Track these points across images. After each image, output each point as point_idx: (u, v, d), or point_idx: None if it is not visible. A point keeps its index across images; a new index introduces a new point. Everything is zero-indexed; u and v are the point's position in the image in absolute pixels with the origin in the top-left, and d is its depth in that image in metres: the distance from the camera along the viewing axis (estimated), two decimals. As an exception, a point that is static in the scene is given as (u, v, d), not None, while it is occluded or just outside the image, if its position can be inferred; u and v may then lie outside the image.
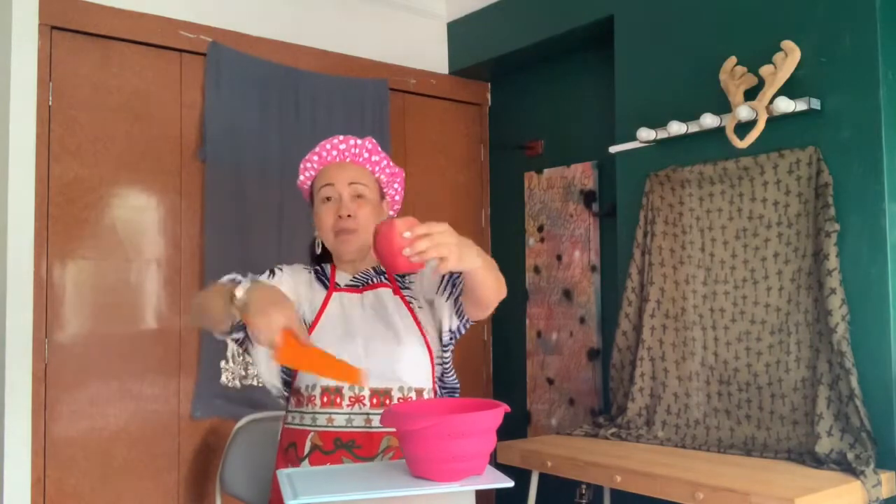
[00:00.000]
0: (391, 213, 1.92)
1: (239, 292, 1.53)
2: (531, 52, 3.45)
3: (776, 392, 2.41)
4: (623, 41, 2.98)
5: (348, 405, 1.65)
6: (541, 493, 2.66)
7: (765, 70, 2.41)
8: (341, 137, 1.81)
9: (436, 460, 1.33)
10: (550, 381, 3.42)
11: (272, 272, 1.81)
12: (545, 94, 3.59)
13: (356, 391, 1.65)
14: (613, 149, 2.96)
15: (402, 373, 1.67)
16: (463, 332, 1.76)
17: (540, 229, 3.52)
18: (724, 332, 2.56)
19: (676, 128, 2.65)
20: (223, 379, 2.96)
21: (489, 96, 3.89)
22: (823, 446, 2.22)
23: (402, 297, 1.77)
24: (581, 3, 3.13)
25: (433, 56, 3.71)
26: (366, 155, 1.82)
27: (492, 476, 1.38)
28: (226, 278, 1.71)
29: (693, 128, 2.62)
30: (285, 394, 1.80)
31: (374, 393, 1.66)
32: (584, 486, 3.05)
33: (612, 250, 3.13)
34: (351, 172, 1.79)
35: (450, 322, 1.73)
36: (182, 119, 2.97)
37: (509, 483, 1.37)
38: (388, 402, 1.66)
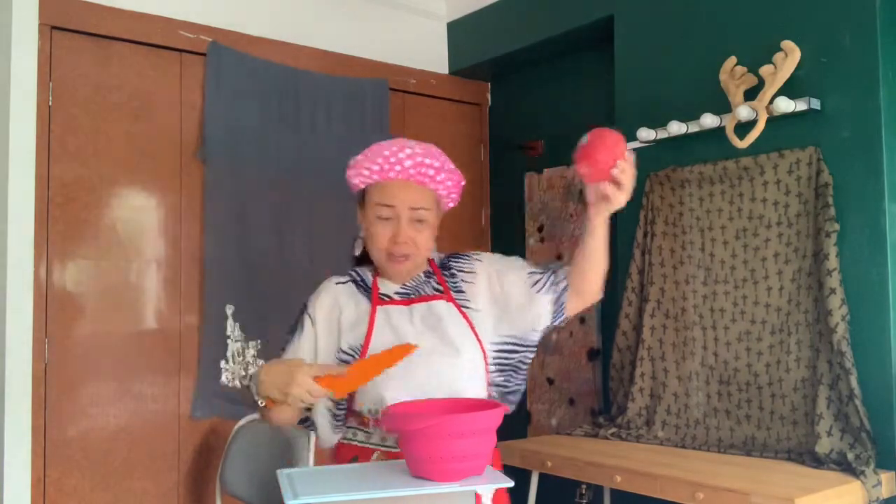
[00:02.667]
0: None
1: (256, 398, 1.56)
2: (531, 52, 3.45)
3: (776, 392, 2.40)
4: (623, 41, 2.98)
5: None
6: (541, 493, 2.65)
7: (765, 70, 2.41)
8: (408, 151, 1.63)
9: (436, 460, 1.33)
10: (550, 381, 3.42)
11: (304, 320, 1.71)
12: (545, 94, 3.58)
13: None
14: (613, 149, 2.95)
15: (464, 386, 1.61)
16: (551, 329, 1.74)
17: (540, 229, 3.52)
18: (724, 332, 2.56)
19: (676, 128, 2.65)
20: (223, 379, 2.96)
21: (489, 96, 3.89)
22: (823, 446, 2.22)
23: (455, 304, 1.68)
24: (581, 3, 3.13)
25: (433, 56, 3.71)
26: (431, 173, 1.66)
27: (492, 476, 1.38)
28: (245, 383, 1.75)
29: (693, 128, 2.62)
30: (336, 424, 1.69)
31: None
32: (584, 486, 3.05)
33: (612, 250, 3.11)
34: (413, 195, 1.65)
35: (546, 320, 1.70)
36: (182, 119, 2.97)
37: (509, 483, 1.37)
38: None
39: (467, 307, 1.69)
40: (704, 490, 2.01)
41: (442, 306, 1.67)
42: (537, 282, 1.70)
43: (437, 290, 1.71)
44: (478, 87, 3.85)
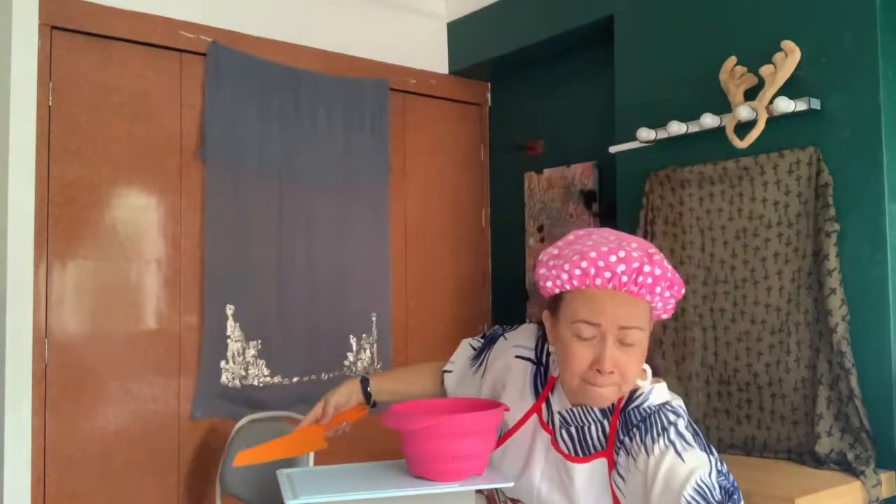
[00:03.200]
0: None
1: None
2: (531, 52, 3.45)
3: (776, 392, 2.40)
4: (623, 41, 2.98)
5: None
6: (541, 493, 2.65)
7: (765, 70, 2.41)
8: (622, 255, 1.28)
9: (436, 460, 1.33)
10: (550, 381, 3.42)
11: (479, 352, 1.61)
12: (545, 94, 3.58)
13: None
14: (613, 149, 2.96)
15: None
16: None
17: (540, 229, 3.52)
18: (724, 332, 2.56)
19: (676, 128, 2.65)
20: (223, 379, 2.96)
21: (489, 96, 3.89)
22: (823, 446, 2.22)
23: (610, 464, 1.33)
24: (581, 3, 3.13)
25: (433, 56, 3.71)
26: (649, 282, 1.29)
27: (492, 476, 1.38)
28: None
29: (693, 128, 2.62)
30: None
31: None
32: (584, 486, 3.04)
33: (612, 250, 3.12)
34: (624, 310, 1.29)
35: None
36: (182, 119, 2.97)
37: (509, 483, 1.37)
38: None
39: (618, 488, 1.32)
40: (704, 490, 2.01)
41: (582, 472, 1.35)
42: None
43: (601, 440, 1.35)
44: (478, 87, 3.85)
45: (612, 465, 1.32)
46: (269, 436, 2.63)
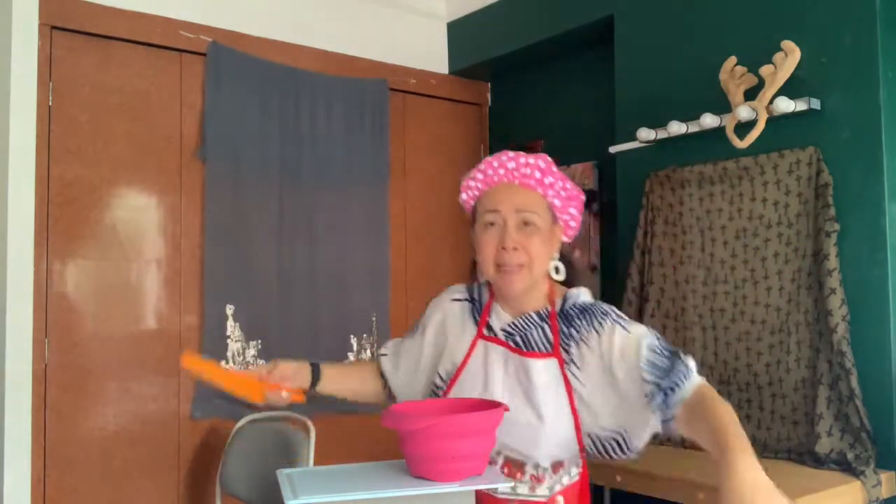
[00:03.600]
0: (565, 239, 1.63)
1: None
2: (531, 52, 3.45)
3: (776, 392, 2.40)
4: (623, 41, 2.98)
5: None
6: (541, 493, 2.65)
7: (765, 70, 2.41)
8: (511, 154, 1.54)
9: (436, 460, 1.33)
10: (550, 381, 3.42)
11: (419, 327, 1.70)
12: (545, 94, 3.58)
13: (490, 457, 1.46)
14: (613, 149, 2.96)
15: (539, 454, 1.47)
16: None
17: (540, 229, 3.52)
18: (724, 332, 2.56)
19: (676, 128, 2.65)
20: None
21: (489, 96, 3.89)
22: (823, 446, 2.21)
23: (561, 362, 1.49)
24: (581, 3, 3.13)
25: (433, 56, 3.71)
26: (537, 175, 1.54)
27: (492, 476, 1.38)
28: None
29: (693, 128, 2.62)
30: None
31: (507, 461, 1.50)
32: (584, 486, 3.04)
33: (612, 250, 3.13)
34: (519, 197, 1.53)
35: (645, 439, 1.46)
36: (182, 119, 2.97)
37: (509, 483, 1.37)
38: (519, 475, 1.48)
39: (575, 380, 1.48)
40: (704, 490, 2.01)
41: (539, 368, 1.49)
42: (649, 394, 1.40)
43: (545, 340, 1.52)
44: (478, 87, 3.85)
45: (562, 362, 1.49)
46: (269, 436, 2.64)
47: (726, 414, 1.26)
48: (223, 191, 3.00)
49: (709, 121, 2.54)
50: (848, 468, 2.12)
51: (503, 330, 1.57)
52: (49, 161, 2.69)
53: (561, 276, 1.59)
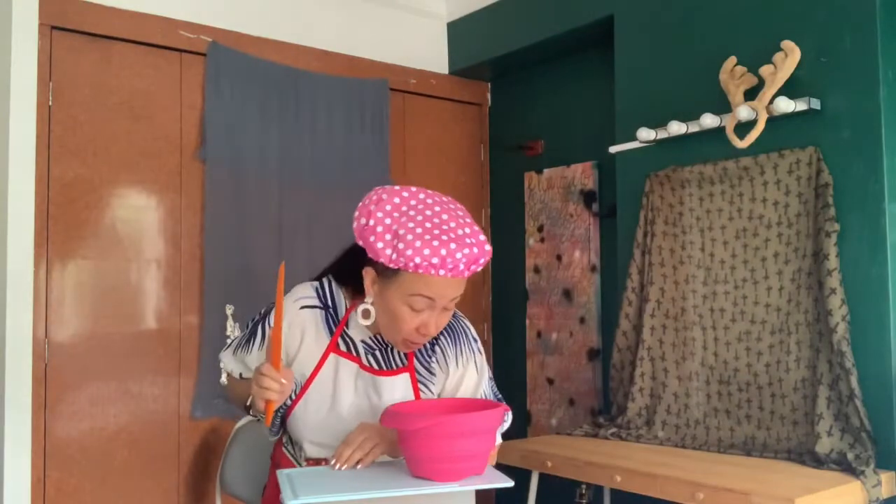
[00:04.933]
0: None
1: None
2: (531, 52, 3.45)
3: (776, 392, 2.40)
4: (623, 41, 2.98)
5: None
6: (541, 493, 2.65)
7: (765, 70, 2.41)
8: (466, 252, 1.41)
9: (436, 460, 1.33)
10: (550, 381, 3.42)
11: (263, 333, 1.62)
12: (545, 94, 3.58)
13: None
14: (613, 149, 2.96)
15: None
16: None
17: (540, 229, 3.52)
18: (724, 332, 2.56)
19: (676, 128, 2.65)
20: (223, 379, 2.95)
21: (489, 96, 3.89)
22: (823, 446, 2.21)
23: (413, 379, 1.57)
24: (581, 3, 3.13)
25: (433, 56, 3.71)
26: (480, 270, 1.53)
27: (492, 476, 1.38)
28: (228, 372, 1.73)
29: (693, 128, 2.62)
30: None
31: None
32: (584, 486, 3.05)
33: (612, 250, 3.13)
34: (455, 289, 1.46)
35: None
36: (182, 119, 2.97)
37: (509, 483, 1.37)
38: None
39: (424, 385, 1.57)
40: (704, 490, 2.01)
41: (388, 384, 1.55)
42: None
43: (402, 357, 1.57)
44: (478, 87, 3.85)
45: (415, 377, 1.56)
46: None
47: None
48: (223, 191, 3.00)
49: (709, 121, 2.54)
50: (848, 468, 2.12)
51: (363, 342, 1.56)
52: (49, 161, 2.69)
53: None
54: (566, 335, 3.36)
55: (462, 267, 1.41)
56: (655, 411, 2.68)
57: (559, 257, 3.42)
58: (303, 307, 1.59)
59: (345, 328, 1.57)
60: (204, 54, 3.00)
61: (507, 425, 1.63)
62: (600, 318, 3.24)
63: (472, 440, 1.34)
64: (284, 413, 1.60)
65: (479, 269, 1.47)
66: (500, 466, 1.90)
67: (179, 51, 2.97)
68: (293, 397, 1.58)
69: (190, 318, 2.94)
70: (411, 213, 1.43)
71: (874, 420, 2.20)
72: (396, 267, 1.42)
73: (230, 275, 3.00)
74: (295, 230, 3.17)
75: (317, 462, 1.58)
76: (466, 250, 1.41)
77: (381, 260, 1.44)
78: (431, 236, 1.39)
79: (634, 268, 2.82)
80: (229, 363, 1.72)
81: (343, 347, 1.57)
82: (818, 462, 2.20)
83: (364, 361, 1.56)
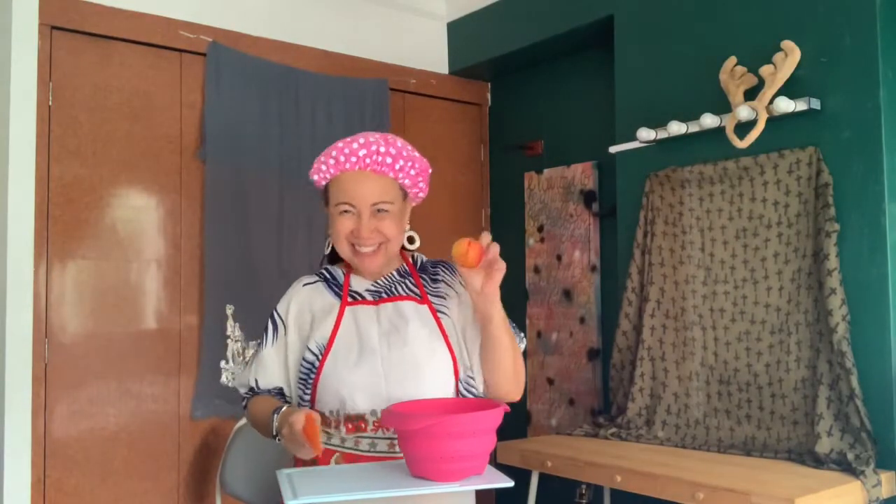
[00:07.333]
0: (415, 203, 1.75)
1: (273, 426, 1.55)
2: (531, 52, 3.45)
3: (776, 392, 2.40)
4: (623, 41, 2.98)
5: (372, 430, 1.56)
6: (541, 493, 2.65)
7: (765, 70, 2.41)
8: (361, 141, 1.59)
9: (436, 460, 1.33)
10: (550, 381, 3.42)
11: (274, 325, 1.68)
12: (545, 94, 3.58)
13: (378, 416, 1.55)
14: (613, 149, 2.96)
15: (424, 394, 1.57)
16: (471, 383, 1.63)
17: (540, 229, 3.52)
18: (724, 332, 2.56)
19: (676, 128, 2.65)
20: (223, 379, 2.96)
21: (489, 96, 3.89)
22: (823, 446, 2.22)
23: (431, 307, 1.64)
24: (581, 3, 3.13)
25: (433, 56, 3.71)
26: (388, 161, 1.60)
27: (492, 476, 1.38)
28: (244, 389, 1.73)
29: (693, 128, 2.62)
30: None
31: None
32: (584, 486, 3.05)
33: (612, 250, 3.13)
34: (372, 188, 1.59)
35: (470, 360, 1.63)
36: (182, 119, 2.97)
37: (509, 483, 1.37)
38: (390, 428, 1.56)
39: (443, 312, 1.64)
40: (704, 490, 2.01)
41: (410, 308, 1.63)
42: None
43: (412, 291, 1.66)
44: (478, 87, 3.85)
45: (433, 307, 1.64)
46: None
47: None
48: (223, 191, 3.00)
49: (709, 121, 2.54)
50: (848, 468, 2.12)
51: (368, 290, 1.66)
52: (49, 161, 2.69)
53: (416, 245, 1.71)
54: (566, 335, 3.36)
55: (359, 158, 1.58)
56: (655, 411, 2.68)
57: (559, 257, 3.42)
58: (305, 285, 1.70)
59: (350, 287, 1.66)
60: (204, 54, 3.00)
61: (523, 345, 1.72)
62: (600, 318, 3.24)
63: (472, 440, 1.34)
64: (312, 385, 1.61)
65: (398, 164, 1.60)
66: (500, 466, 1.90)
67: (179, 51, 2.97)
68: (316, 360, 1.59)
69: (190, 318, 2.94)
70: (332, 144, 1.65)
71: (874, 420, 2.20)
72: (319, 185, 1.67)
73: (230, 275, 3.00)
74: (295, 230, 3.17)
75: (359, 417, 1.56)
76: (362, 140, 1.59)
77: (318, 186, 1.68)
78: (337, 142, 1.63)
79: (634, 268, 2.82)
80: (242, 378, 1.73)
81: (354, 300, 1.66)
82: (818, 462, 2.20)
83: (379, 298, 1.65)
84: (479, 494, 1.55)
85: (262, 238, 3.08)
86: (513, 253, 3.65)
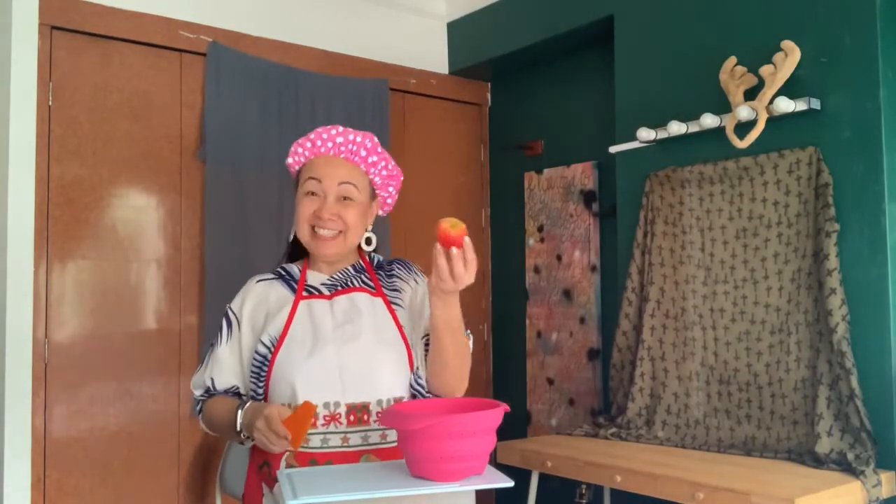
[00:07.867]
0: (381, 213, 1.80)
1: (238, 421, 1.58)
2: (531, 52, 3.45)
3: (776, 392, 2.40)
4: (623, 41, 2.98)
5: (323, 424, 1.56)
6: (541, 493, 2.65)
7: (765, 70, 2.41)
8: (340, 129, 1.67)
9: (436, 460, 1.33)
10: (550, 381, 3.42)
11: (228, 322, 1.70)
12: (545, 94, 3.58)
13: (331, 410, 1.56)
14: (613, 149, 2.96)
15: (380, 385, 1.59)
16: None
17: (540, 229, 3.52)
18: (724, 332, 2.56)
19: (676, 128, 2.65)
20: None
21: (489, 96, 3.89)
22: (823, 446, 2.22)
23: (385, 298, 1.68)
24: (581, 3, 3.13)
25: (433, 56, 3.71)
26: (363, 153, 1.67)
27: (492, 476, 1.38)
28: (200, 391, 1.78)
29: (693, 128, 2.62)
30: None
31: (352, 409, 1.57)
32: (584, 486, 3.05)
33: (612, 250, 3.13)
34: (342, 171, 1.66)
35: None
36: (182, 119, 2.97)
37: (509, 483, 1.37)
38: (366, 417, 1.57)
39: (397, 304, 1.68)
40: (704, 490, 2.01)
41: (365, 300, 1.66)
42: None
43: (366, 284, 1.70)
44: (478, 87, 3.85)
45: (386, 298, 1.67)
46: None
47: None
48: (223, 191, 3.00)
49: (709, 121, 2.54)
50: (848, 468, 2.12)
51: (323, 284, 1.68)
52: (49, 161, 2.69)
53: (372, 247, 1.74)
54: (566, 335, 3.36)
55: (335, 144, 1.65)
56: (655, 411, 2.68)
57: (559, 257, 3.42)
58: (259, 281, 1.74)
59: (306, 281, 1.69)
60: (204, 54, 3.00)
61: (471, 341, 1.68)
62: (600, 318, 3.24)
63: (472, 440, 1.34)
64: (265, 379, 1.62)
65: (371, 159, 1.67)
66: (500, 466, 1.90)
67: (179, 51, 2.97)
68: (268, 353, 1.61)
69: (190, 318, 2.94)
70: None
71: (874, 420, 2.20)
72: (293, 168, 1.73)
73: (230, 275, 2.98)
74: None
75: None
76: (341, 129, 1.66)
77: (292, 172, 1.74)
78: (314, 131, 1.68)
79: (634, 268, 2.82)
80: (198, 380, 1.78)
81: (308, 293, 1.68)
82: (818, 462, 2.20)
83: (334, 291, 1.68)
84: (479, 494, 1.55)
85: (262, 238, 3.08)
86: (513, 253, 3.65)
